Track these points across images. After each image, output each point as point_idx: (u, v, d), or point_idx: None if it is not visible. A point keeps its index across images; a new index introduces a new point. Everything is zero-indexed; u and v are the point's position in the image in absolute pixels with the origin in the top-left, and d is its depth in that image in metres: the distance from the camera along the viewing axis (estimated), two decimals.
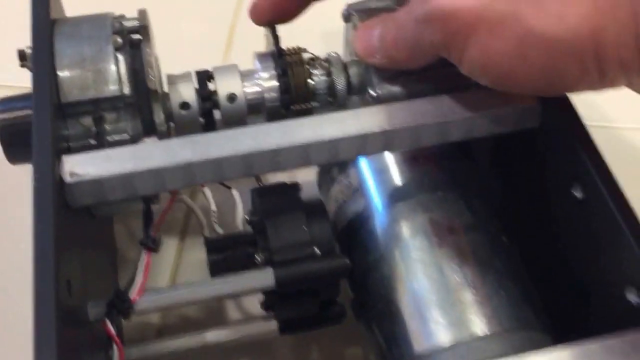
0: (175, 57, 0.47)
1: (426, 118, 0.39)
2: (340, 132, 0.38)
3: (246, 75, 0.45)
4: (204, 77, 0.44)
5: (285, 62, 0.44)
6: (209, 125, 0.45)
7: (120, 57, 0.41)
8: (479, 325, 0.37)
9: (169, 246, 0.52)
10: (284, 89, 0.44)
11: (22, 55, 0.42)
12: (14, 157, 0.43)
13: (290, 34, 0.46)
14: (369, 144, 0.38)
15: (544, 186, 0.40)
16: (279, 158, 0.38)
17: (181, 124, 0.43)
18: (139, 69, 0.41)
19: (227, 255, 0.41)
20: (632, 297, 0.34)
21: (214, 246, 0.41)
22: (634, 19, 0.31)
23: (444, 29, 0.34)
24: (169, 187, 0.38)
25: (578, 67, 0.32)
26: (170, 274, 0.51)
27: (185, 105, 0.43)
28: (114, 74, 0.40)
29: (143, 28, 0.42)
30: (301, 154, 0.38)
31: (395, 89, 0.43)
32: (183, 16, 0.65)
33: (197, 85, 0.44)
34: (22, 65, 0.43)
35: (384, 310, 0.39)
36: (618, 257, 0.35)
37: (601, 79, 0.32)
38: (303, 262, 0.39)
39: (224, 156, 0.37)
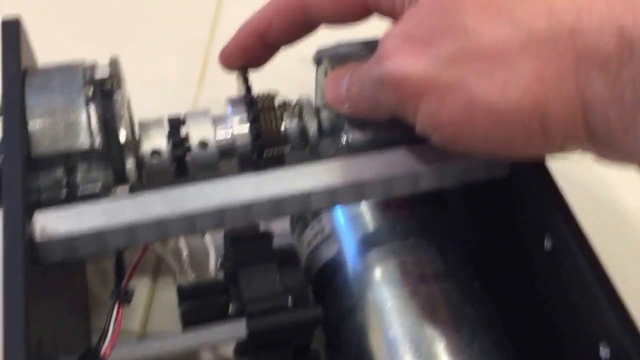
0: (146, 95, 0.47)
1: (397, 169, 0.39)
2: (313, 184, 0.38)
3: (218, 121, 0.45)
4: (176, 123, 0.44)
5: (257, 108, 0.44)
6: (181, 172, 0.45)
7: (92, 108, 0.41)
8: None
9: (141, 287, 0.52)
10: (256, 134, 0.44)
11: None
12: None
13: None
14: (342, 195, 0.39)
15: (516, 235, 0.41)
16: (252, 211, 0.38)
17: (152, 171, 0.43)
18: (110, 119, 0.41)
19: (199, 304, 0.41)
20: (604, 352, 0.34)
21: (185, 295, 0.41)
22: (578, 92, 0.31)
23: (395, 94, 0.35)
24: (142, 242, 0.38)
25: (523, 136, 0.33)
26: (141, 317, 0.50)
27: (156, 153, 0.43)
28: (85, 126, 0.40)
29: (114, 78, 0.42)
30: (274, 207, 0.38)
31: (366, 135, 0.43)
32: (154, 54, 0.65)
33: (168, 132, 0.44)
34: None
35: (358, 358, 0.39)
36: (589, 310, 0.35)
37: (549, 147, 0.34)
38: (276, 314, 0.39)
39: (196, 210, 0.37)
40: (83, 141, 0.40)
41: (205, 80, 0.64)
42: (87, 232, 0.36)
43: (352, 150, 0.43)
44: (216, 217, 0.38)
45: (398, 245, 0.42)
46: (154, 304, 0.51)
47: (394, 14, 0.38)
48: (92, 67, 0.43)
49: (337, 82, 0.41)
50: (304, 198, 0.38)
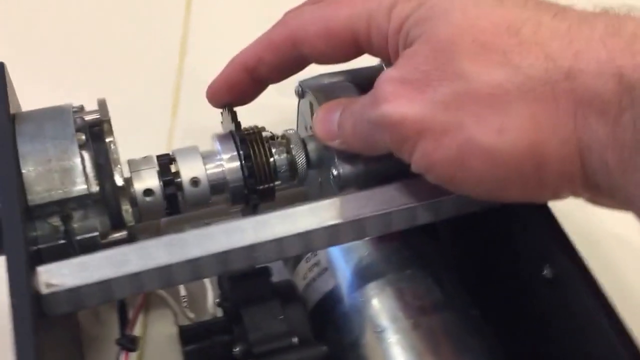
0: (123, 125, 0.45)
1: (394, 204, 0.40)
2: (313, 225, 0.38)
3: (207, 157, 0.45)
4: (166, 162, 0.44)
5: (247, 142, 0.44)
6: (173, 209, 0.45)
7: (85, 154, 0.40)
8: None
9: None
10: (249, 168, 0.44)
11: None
12: None
13: None
14: (342, 234, 0.39)
15: (514, 264, 0.42)
16: (255, 254, 0.38)
17: (145, 211, 0.43)
18: (103, 163, 0.41)
19: (203, 345, 0.41)
20: None
21: (189, 336, 0.41)
22: (575, 136, 0.31)
23: (392, 135, 0.35)
24: (147, 290, 0.38)
25: (518, 180, 0.33)
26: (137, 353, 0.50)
27: (149, 192, 0.43)
28: (81, 172, 0.39)
29: (105, 122, 0.42)
30: (276, 248, 0.38)
31: (357, 168, 0.43)
32: (125, 82, 0.64)
33: (159, 170, 0.43)
34: None
35: None
36: (593, 336, 0.36)
37: (543, 191, 0.34)
38: (283, 354, 0.39)
39: (201, 256, 0.37)
40: (80, 187, 0.39)
41: (179, 105, 0.64)
42: (92, 284, 0.36)
43: (343, 182, 0.44)
44: (221, 262, 0.38)
45: (395, 277, 0.42)
46: (147, 337, 0.51)
47: (385, 55, 0.39)
48: (80, 110, 0.43)
49: (329, 117, 0.41)
50: (305, 238, 0.39)
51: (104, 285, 0.36)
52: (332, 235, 0.39)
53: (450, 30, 0.34)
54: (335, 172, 0.44)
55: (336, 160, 0.44)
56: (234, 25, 0.69)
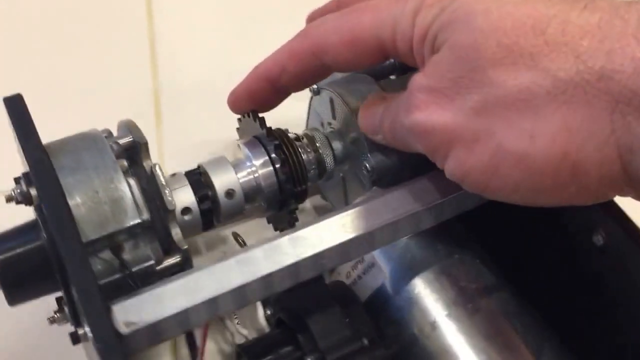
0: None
1: (425, 202, 0.40)
2: (352, 234, 0.39)
3: (237, 166, 0.44)
4: (197, 177, 0.43)
5: (280, 146, 0.44)
6: (208, 225, 0.44)
7: (131, 181, 0.39)
8: None
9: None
10: (285, 172, 0.44)
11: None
12: (16, 298, 0.40)
13: None
14: (377, 240, 0.40)
15: (562, 234, 0.43)
16: (323, 261, 0.38)
17: (184, 230, 0.42)
18: (146, 188, 0.40)
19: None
20: None
21: (253, 353, 0.40)
22: (614, 137, 0.30)
23: (424, 142, 0.36)
24: (222, 313, 0.37)
25: (554, 185, 0.32)
26: None
27: (186, 211, 0.42)
28: (131, 200, 0.38)
29: (143, 145, 0.40)
30: (341, 253, 0.38)
31: (389, 159, 0.44)
32: (103, 94, 0.62)
33: (192, 187, 0.43)
34: (9, 199, 0.40)
35: None
36: None
37: (584, 196, 0.33)
38: (358, 357, 0.39)
39: (272, 272, 0.37)
40: (133, 216, 0.38)
41: (162, 113, 0.62)
42: (171, 316, 0.35)
43: (377, 174, 0.44)
44: (292, 275, 0.37)
45: (445, 263, 0.43)
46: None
47: (411, 61, 0.38)
48: (110, 135, 0.42)
49: (372, 112, 0.41)
50: (345, 248, 0.39)
51: (182, 316, 0.35)
52: (370, 240, 0.39)
53: (472, 36, 0.33)
54: (368, 166, 0.44)
55: (368, 154, 0.44)
56: None
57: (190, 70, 0.65)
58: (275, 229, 0.48)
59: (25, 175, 0.39)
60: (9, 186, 0.39)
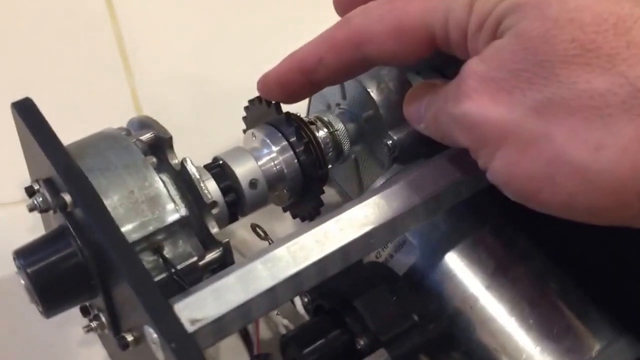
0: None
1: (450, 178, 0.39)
2: (396, 210, 0.38)
3: (255, 154, 0.43)
4: (218, 170, 0.42)
5: (300, 130, 0.43)
6: (233, 217, 0.43)
7: (163, 177, 0.37)
8: (590, 345, 0.39)
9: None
10: (308, 156, 0.43)
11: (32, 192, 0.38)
12: (52, 309, 0.38)
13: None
14: (419, 213, 0.39)
15: None
16: (372, 240, 0.37)
17: None
18: (180, 184, 0.38)
19: (320, 347, 0.39)
20: None
21: (301, 341, 0.40)
22: None
23: (471, 136, 0.33)
24: (281, 303, 0.36)
25: (616, 205, 0.29)
26: None
27: (213, 205, 0.41)
28: (167, 198, 0.37)
29: (167, 140, 0.39)
30: (390, 231, 0.38)
31: (409, 136, 0.44)
32: (78, 99, 0.60)
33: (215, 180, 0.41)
34: (32, 209, 0.38)
35: (487, 357, 0.40)
36: None
37: None
38: (411, 334, 0.39)
39: (325, 255, 0.36)
40: (172, 213, 0.37)
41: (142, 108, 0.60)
42: (233, 310, 0.34)
43: (399, 151, 0.43)
44: (344, 258, 0.37)
45: (479, 234, 0.43)
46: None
47: (464, 52, 0.34)
48: (129, 133, 0.40)
49: (417, 99, 0.38)
50: (393, 225, 0.38)
51: (244, 309, 0.34)
52: (413, 216, 0.39)
53: (544, 25, 0.30)
54: (389, 143, 0.44)
55: (389, 131, 0.44)
56: None
57: (163, 60, 0.63)
58: (295, 217, 0.47)
59: (47, 181, 0.37)
60: None
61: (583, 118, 0.29)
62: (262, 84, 0.41)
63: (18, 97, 0.51)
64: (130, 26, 0.65)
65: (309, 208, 0.44)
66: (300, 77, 0.39)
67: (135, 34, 0.65)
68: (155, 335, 0.32)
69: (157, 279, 0.36)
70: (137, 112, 0.59)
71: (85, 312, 0.41)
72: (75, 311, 0.40)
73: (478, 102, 0.31)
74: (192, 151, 0.40)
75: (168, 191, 0.37)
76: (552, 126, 0.29)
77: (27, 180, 0.44)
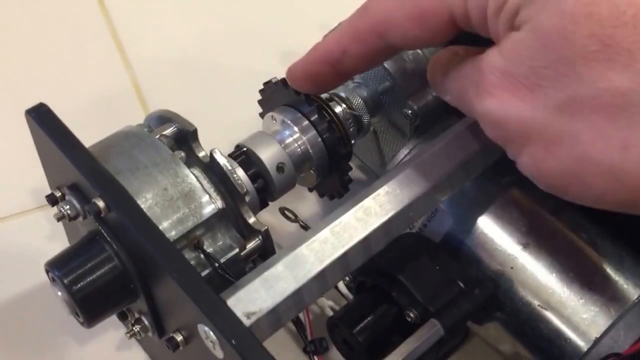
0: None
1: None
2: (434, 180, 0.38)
3: (278, 137, 0.42)
4: (244, 157, 0.41)
5: (320, 107, 0.42)
6: (263, 203, 0.42)
7: (195, 171, 0.37)
8: (630, 292, 0.39)
9: None
10: (333, 134, 0.42)
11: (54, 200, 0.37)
12: (93, 318, 0.37)
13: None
14: (455, 181, 0.39)
15: None
16: (411, 214, 0.37)
17: None
18: (212, 176, 0.38)
19: (369, 324, 0.39)
20: None
21: (349, 320, 0.39)
22: None
23: (496, 132, 0.32)
24: (331, 286, 0.35)
25: None
26: None
27: (247, 193, 0.40)
28: (202, 192, 0.36)
29: (192, 132, 0.38)
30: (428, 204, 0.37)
31: (428, 103, 0.43)
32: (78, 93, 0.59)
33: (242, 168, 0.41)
34: (61, 218, 0.37)
35: (532, 314, 0.40)
36: None
37: None
38: (459, 302, 0.38)
39: (369, 233, 0.35)
40: (208, 207, 0.36)
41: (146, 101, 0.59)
42: (287, 298, 0.33)
43: (421, 119, 0.43)
44: (385, 234, 0.36)
45: (509, 194, 0.42)
46: None
47: (487, 34, 0.33)
48: (151, 130, 0.39)
49: (442, 71, 0.36)
50: (430, 196, 0.38)
51: (297, 296, 0.34)
52: (450, 184, 0.39)
53: (561, 21, 0.28)
54: (410, 112, 0.43)
55: (409, 100, 0.43)
56: None
57: (158, 44, 0.63)
58: (322, 196, 0.46)
59: (72, 187, 0.36)
60: None
61: (607, 116, 0.28)
62: (291, 76, 0.40)
63: (17, 100, 0.51)
64: (121, 11, 0.64)
65: (337, 186, 0.44)
66: (327, 68, 0.38)
67: (126, 18, 0.64)
68: (212, 334, 0.31)
69: (203, 274, 0.35)
70: (141, 105, 0.58)
71: (122, 316, 0.40)
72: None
73: (500, 99, 0.31)
74: (208, 140, 0.40)
75: (201, 185, 0.36)
76: (577, 125, 0.29)
77: (38, 187, 0.43)
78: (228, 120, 0.54)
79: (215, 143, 0.39)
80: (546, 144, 0.30)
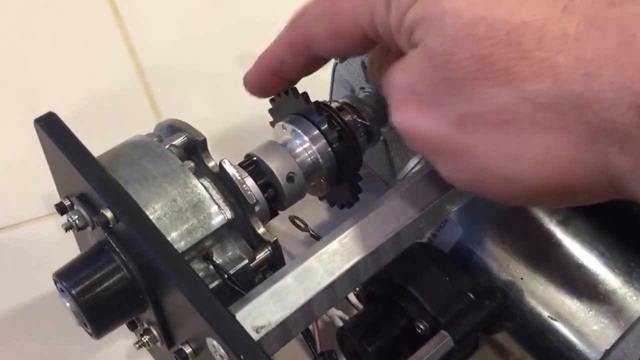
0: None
1: None
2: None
3: (288, 147, 0.42)
4: (254, 167, 0.41)
5: (330, 117, 0.42)
6: (273, 212, 0.42)
7: (204, 181, 0.36)
8: (638, 303, 0.39)
9: None
10: (344, 143, 0.42)
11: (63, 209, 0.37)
12: (101, 329, 0.37)
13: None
14: (452, 203, 0.38)
15: None
16: (421, 225, 0.37)
17: None
18: (222, 187, 0.37)
19: (379, 335, 0.39)
20: None
21: (360, 331, 0.39)
22: (599, 167, 0.28)
23: (411, 144, 0.33)
24: (341, 298, 0.35)
25: (548, 199, 0.31)
26: None
27: (256, 203, 0.40)
28: (211, 202, 0.36)
29: (201, 142, 0.38)
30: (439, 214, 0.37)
31: None
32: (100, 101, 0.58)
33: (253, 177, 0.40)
34: (69, 228, 0.37)
35: (542, 325, 0.40)
36: None
37: (579, 202, 0.31)
38: (469, 313, 0.38)
39: (380, 245, 0.35)
40: (217, 218, 0.36)
41: (159, 108, 0.59)
42: (296, 311, 0.33)
43: None
44: (395, 245, 0.36)
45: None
46: None
47: (395, 46, 0.34)
48: (161, 139, 0.39)
49: (376, 72, 0.38)
50: (441, 207, 0.38)
51: (306, 309, 0.33)
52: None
53: (444, 44, 0.29)
54: None
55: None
56: None
57: (170, 51, 0.63)
58: (332, 205, 0.46)
59: (81, 197, 0.36)
60: None
61: (498, 131, 0.29)
62: (245, 84, 0.41)
63: (30, 107, 0.51)
64: (132, 14, 0.65)
65: (346, 195, 0.44)
66: (271, 77, 0.40)
67: (138, 20, 0.64)
68: (220, 348, 0.31)
69: (210, 286, 0.35)
70: (153, 111, 0.58)
71: (132, 325, 0.40)
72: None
73: (408, 115, 0.32)
74: (218, 148, 0.40)
75: (210, 195, 0.36)
76: (473, 139, 0.30)
77: (50, 194, 0.43)
78: (238, 129, 0.54)
79: (225, 151, 0.39)
80: (451, 156, 0.31)
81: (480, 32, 0.29)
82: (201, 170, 0.37)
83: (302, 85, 0.42)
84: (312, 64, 0.39)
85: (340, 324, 0.42)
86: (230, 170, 0.37)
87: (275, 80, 0.40)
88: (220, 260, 0.36)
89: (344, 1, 0.35)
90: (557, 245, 0.41)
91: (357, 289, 0.42)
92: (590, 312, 0.39)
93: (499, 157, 0.30)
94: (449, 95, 0.30)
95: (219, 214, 0.36)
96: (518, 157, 0.29)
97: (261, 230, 0.37)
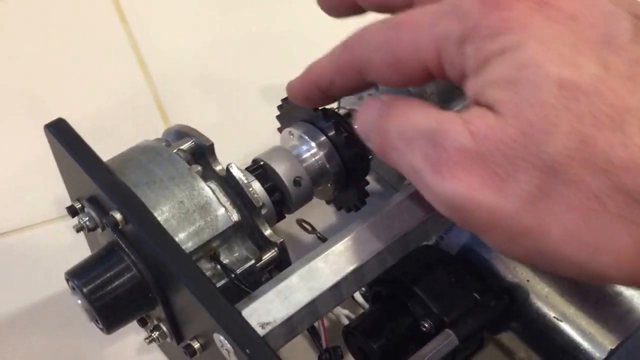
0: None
1: None
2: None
3: (296, 152, 0.43)
4: (260, 171, 0.42)
5: (338, 123, 0.43)
6: (280, 216, 0.43)
7: (211, 184, 0.37)
8: None
9: None
10: (351, 148, 0.42)
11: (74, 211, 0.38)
12: (112, 325, 0.38)
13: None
14: None
15: None
16: (427, 227, 0.37)
17: None
18: (229, 190, 0.38)
19: (385, 333, 0.39)
20: None
21: (366, 330, 0.40)
22: None
23: (455, 214, 0.29)
24: (346, 298, 0.36)
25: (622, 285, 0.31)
26: None
27: (263, 206, 0.40)
28: (218, 205, 0.37)
29: (209, 147, 0.38)
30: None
31: None
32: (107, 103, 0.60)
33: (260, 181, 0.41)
34: (80, 229, 0.38)
35: (548, 325, 0.40)
36: None
37: None
38: (474, 313, 0.39)
39: (385, 247, 0.36)
40: (224, 220, 0.37)
41: (166, 113, 0.60)
42: (301, 309, 0.34)
43: None
44: (402, 247, 0.37)
45: None
46: None
47: (462, 87, 0.31)
48: (168, 144, 0.40)
49: (366, 115, 0.34)
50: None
51: (311, 307, 0.34)
52: None
53: (543, 112, 0.27)
54: None
55: None
56: None
57: (178, 58, 0.64)
58: (339, 209, 0.46)
59: (91, 200, 0.37)
60: None
61: (580, 219, 0.27)
62: (289, 92, 0.39)
63: (41, 112, 0.52)
64: (140, 23, 0.65)
65: (354, 199, 0.44)
66: (318, 92, 0.37)
67: (146, 29, 0.65)
68: (227, 343, 0.32)
69: (218, 285, 0.36)
70: (162, 117, 0.59)
71: (143, 322, 0.41)
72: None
73: (467, 183, 0.28)
74: (226, 153, 0.41)
75: (217, 198, 0.36)
76: (547, 221, 0.27)
77: (61, 197, 0.44)
78: (246, 135, 0.55)
79: (233, 157, 0.40)
80: (512, 235, 0.28)
81: (584, 108, 0.26)
82: (208, 174, 0.38)
83: None
84: (364, 87, 0.36)
85: (347, 322, 0.42)
86: (237, 173, 0.37)
87: (322, 95, 0.38)
88: (227, 261, 0.37)
89: (408, 32, 0.32)
90: None
91: (364, 289, 0.42)
92: (596, 313, 0.39)
93: (575, 245, 0.27)
94: (533, 171, 0.27)
95: (225, 216, 0.36)
96: (598, 249, 0.27)
97: (268, 232, 0.38)
